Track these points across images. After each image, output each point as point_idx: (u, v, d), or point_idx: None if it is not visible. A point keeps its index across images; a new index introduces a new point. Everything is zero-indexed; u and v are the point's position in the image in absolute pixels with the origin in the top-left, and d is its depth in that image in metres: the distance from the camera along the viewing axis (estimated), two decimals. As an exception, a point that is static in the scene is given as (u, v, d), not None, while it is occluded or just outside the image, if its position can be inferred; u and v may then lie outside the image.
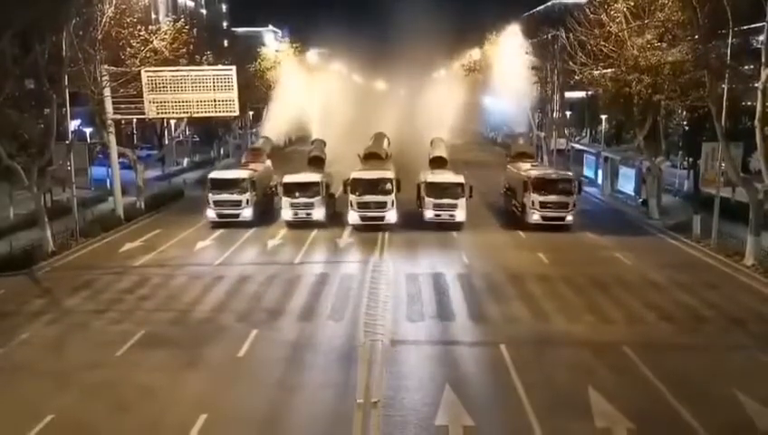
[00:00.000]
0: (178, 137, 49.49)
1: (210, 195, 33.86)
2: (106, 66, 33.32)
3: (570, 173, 35.01)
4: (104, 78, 33.02)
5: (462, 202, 32.34)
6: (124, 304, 22.18)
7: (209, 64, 42.04)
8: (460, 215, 32.45)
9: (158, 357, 17.91)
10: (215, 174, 35.78)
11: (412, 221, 33.39)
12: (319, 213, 33.28)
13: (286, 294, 23.07)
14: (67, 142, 31.25)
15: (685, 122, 41.72)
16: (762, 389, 15.52)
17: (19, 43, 28.25)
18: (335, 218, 34.67)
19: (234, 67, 36.59)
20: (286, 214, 33.43)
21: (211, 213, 33.91)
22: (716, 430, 13.74)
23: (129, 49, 34.03)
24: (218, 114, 37.12)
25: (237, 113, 38.14)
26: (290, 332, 19.64)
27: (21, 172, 27.96)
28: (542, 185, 32.53)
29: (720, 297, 22.65)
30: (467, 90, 59.09)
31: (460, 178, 33.36)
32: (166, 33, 36.25)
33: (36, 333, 19.69)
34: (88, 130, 42.98)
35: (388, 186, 32.38)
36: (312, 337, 19.18)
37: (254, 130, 65.28)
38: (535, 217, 32.33)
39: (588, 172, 48.76)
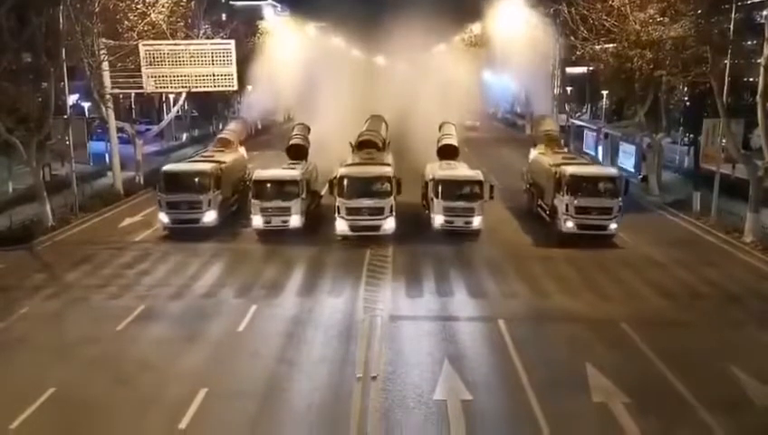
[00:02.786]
0: (177, 112, 49.17)
1: (162, 194, 27.23)
2: (104, 40, 33.07)
3: (614, 169, 28.80)
4: (102, 51, 32.77)
5: (480, 206, 26.34)
6: (124, 279, 22.23)
7: (207, 38, 41.68)
8: (477, 221, 26.46)
9: (158, 332, 18.01)
10: (169, 167, 29.02)
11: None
12: (297, 220, 26.66)
13: (286, 270, 23.09)
14: (65, 117, 31.13)
15: (686, 98, 41.55)
16: (758, 365, 15.67)
17: (16, 16, 27.99)
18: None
19: (232, 41, 36.30)
20: (256, 221, 26.67)
21: (164, 217, 27.25)
22: (713, 405, 13.84)
23: (126, 22, 33.76)
24: (217, 89, 36.81)
25: (236, 88, 37.71)
26: (289, 307, 19.73)
27: (20, 146, 27.89)
28: (581, 184, 26.00)
29: (719, 274, 22.71)
30: (469, 65, 58.51)
31: (478, 175, 27.23)
32: (163, 6, 35.91)
33: (36, 307, 19.76)
34: (86, 105, 42.86)
35: (386, 186, 26.06)
36: (312, 312, 19.25)
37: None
38: (569, 224, 25.76)
39: (588, 149, 48.62)
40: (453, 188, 26.77)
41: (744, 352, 16.49)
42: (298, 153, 31.86)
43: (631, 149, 40.19)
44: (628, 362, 16.01)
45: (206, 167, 28.30)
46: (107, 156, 39.97)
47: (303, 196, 26.99)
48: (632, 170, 39.55)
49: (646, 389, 14.58)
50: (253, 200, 26.76)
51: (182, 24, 36.72)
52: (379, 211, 25.82)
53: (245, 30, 51.67)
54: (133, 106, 61.11)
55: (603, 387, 14.60)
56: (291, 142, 32.85)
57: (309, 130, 34.58)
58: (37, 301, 20.27)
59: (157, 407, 13.95)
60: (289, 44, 51.30)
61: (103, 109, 35.39)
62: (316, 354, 16.42)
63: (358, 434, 12.95)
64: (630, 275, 22.42)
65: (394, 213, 25.98)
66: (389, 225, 25.93)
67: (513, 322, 18.30)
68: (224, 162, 29.57)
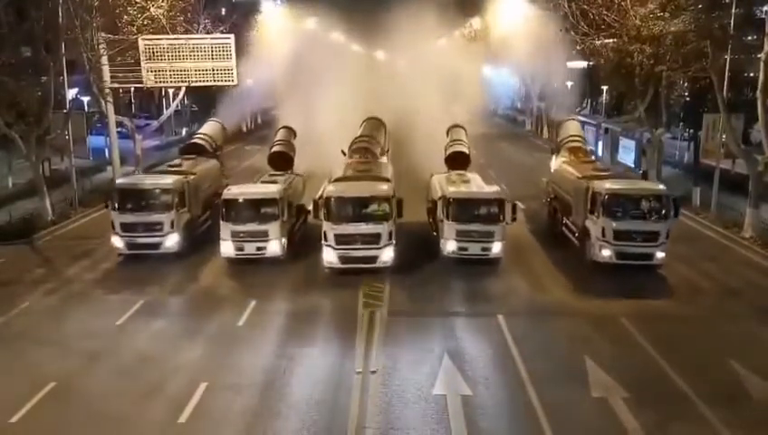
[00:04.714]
0: (177, 106, 49.08)
1: (115, 214, 23.14)
2: (103, 34, 33.02)
3: (660, 186, 23.69)
4: (101, 45, 32.73)
5: (500, 229, 22.05)
6: (124, 274, 22.24)
7: (207, 33, 41.62)
8: (497, 247, 22.14)
9: (158, 326, 18.07)
10: (123, 181, 24.92)
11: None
12: (276, 246, 22.35)
13: (286, 265, 22.97)
14: (65, 111, 31.12)
15: (686, 94, 41.54)
16: (757, 359, 15.72)
17: (15, 9, 27.97)
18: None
19: (232, 35, 36.18)
20: (226, 247, 22.30)
21: (117, 241, 23.13)
22: (712, 399, 13.88)
23: (125, 16, 33.69)
24: (216, 83, 36.65)
25: (236, 83, 37.56)
26: (289, 302, 19.73)
27: (19, 141, 27.93)
28: (620, 204, 21.84)
29: (718, 269, 22.74)
30: (470, 60, 58.25)
31: (496, 192, 23.31)
32: (163, 1, 35.81)
33: (37, 301, 19.80)
34: (85, 99, 42.77)
35: (384, 207, 21.66)
36: (311, 307, 19.25)
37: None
38: (606, 253, 21.59)
39: (588, 144, 48.53)
40: (468, 208, 22.46)
41: (742, 346, 16.53)
42: (282, 162, 28.43)
43: (631, 144, 40.23)
44: (627, 357, 16.03)
45: (168, 181, 23.98)
46: (106, 150, 39.93)
47: (284, 217, 22.68)
48: (632, 166, 39.65)
49: (645, 383, 14.60)
50: (222, 222, 22.39)
51: (182, 18, 36.60)
52: (374, 239, 21.41)
53: (244, 23, 51.49)
54: (133, 101, 61.09)
55: (603, 382, 14.64)
56: (273, 150, 29.27)
57: (294, 134, 31.03)
58: (37, 295, 20.29)
59: (157, 401, 13.98)
60: (287, 38, 50.78)
61: (103, 103, 35.28)
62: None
63: (357, 428, 12.98)
64: (630, 270, 22.36)
65: (394, 241, 21.64)
66: (388, 255, 21.55)
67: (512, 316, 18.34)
68: (192, 174, 25.44)
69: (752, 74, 30.88)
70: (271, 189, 23.29)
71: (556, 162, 29.15)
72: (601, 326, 17.77)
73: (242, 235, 22.17)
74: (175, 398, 14.05)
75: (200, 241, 24.74)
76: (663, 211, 21.74)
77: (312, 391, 14.38)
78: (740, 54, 28.78)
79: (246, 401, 13.98)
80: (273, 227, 22.27)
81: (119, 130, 37.77)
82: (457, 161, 27.82)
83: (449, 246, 22.24)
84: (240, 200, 22.67)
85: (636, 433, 12.77)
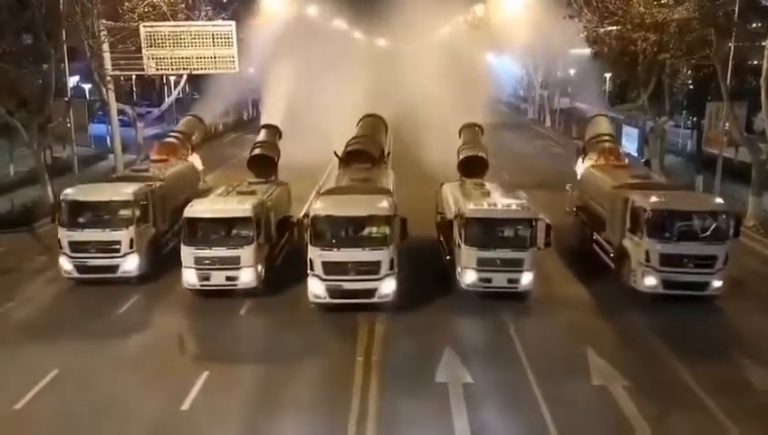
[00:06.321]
0: (178, 94, 48.99)
1: (64, 231, 19.53)
2: (104, 21, 32.93)
3: (718, 200, 19.75)
4: (102, 33, 32.65)
5: (530, 256, 17.90)
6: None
7: (208, 20, 41.46)
8: (527, 278, 18.02)
9: (160, 315, 18.13)
10: (72, 192, 20.30)
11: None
12: (249, 275, 18.35)
13: (285, 259, 22.89)
14: (66, 99, 31.10)
15: (689, 82, 41.41)
16: (760, 349, 15.73)
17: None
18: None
19: (233, 22, 36.03)
20: (189, 276, 18.33)
21: (65, 263, 19.53)
22: (713, 389, 13.88)
23: (126, 3, 33.60)
24: (218, 71, 36.55)
25: (237, 70, 37.44)
26: (288, 293, 19.55)
27: (21, 129, 27.92)
28: (668, 222, 18.17)
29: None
30: (474, 48, 57.67)
31: (526, 209, 18.62)
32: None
33: (38, 290, 19.85)
34: (87, 87, 42.75)
35: (384, 230, 17.63)
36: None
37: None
38: (651, 281, 18.00)
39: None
40: (492, 230, 18.32)
41: (745, 336, 16.55)
42: (263, 168, 24.41)
43: (634, 132, 40.13)
44: (628, 347, 16.06)
45: (127, 192, 20.01)
46: (108, 138, 39.92)
47: (261, 239, 18.64)
48: (635, 154, 39.57)
49: (646, 373, 14.63)
50: (183, 246, 18.38)
51: (183, 5, 36.47)
52: (371, 269, 17.33)
53: (245, 10, 51.28)
54: (134, 88, 60.93)
55: (603, 370, 14.66)
56: (253, 153, 25.10)
57: (280, 134, 26.79)
58: (39, 283, 20.33)
59: (159, 389, 14.02)
60: (287, 24, 50.29)
61: (104, 91, 35.25)
62: None
63: (359, 416, 13.01)
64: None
65: (396, 270, 17.58)
66: (389, 288, 17.44)
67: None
68: (159, 180, 21.72)
69: (755, 62, 30.72)
70: (244, 206, 18.91)
71: (584, 166, 25.01)
72: (603, 317, 17.82)
73: (207, 262, 18.21)
74: (177, 386, 14.03)
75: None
76: (720, 231, 17.97)
77: (313, 379, 14.40)
78: (744, 42, 28.65)
79: (248, 389, 13.98)
80: (247, 253, 18.27)
81: (120, 117, 37.73)
82: (472, 167, 23.62)
83: (468, 277, 18.09)
84: (205, 219, 18.69)
85: (636, 422, 12.76)
